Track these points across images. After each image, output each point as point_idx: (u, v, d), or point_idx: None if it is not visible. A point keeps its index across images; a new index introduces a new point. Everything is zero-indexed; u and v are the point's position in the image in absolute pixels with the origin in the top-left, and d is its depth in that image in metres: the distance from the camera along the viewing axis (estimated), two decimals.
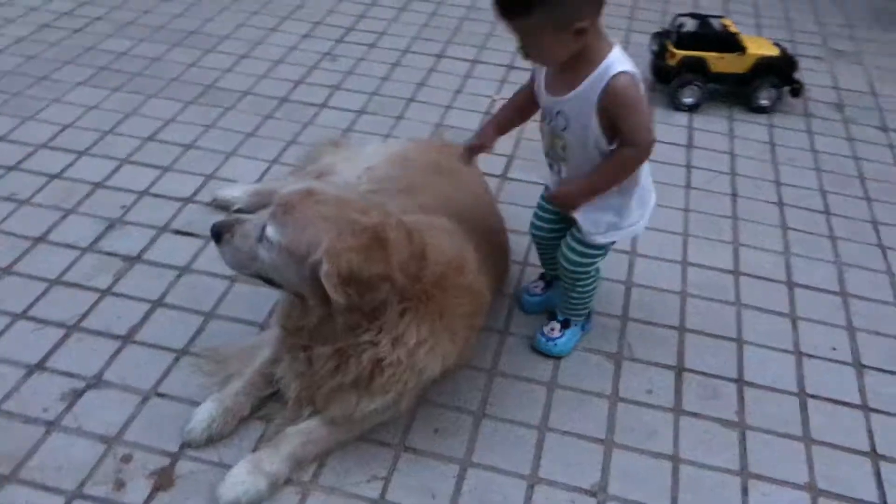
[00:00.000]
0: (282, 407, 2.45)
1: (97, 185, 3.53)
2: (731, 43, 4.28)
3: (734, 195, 3.81)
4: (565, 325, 2.86)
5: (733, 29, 4.40)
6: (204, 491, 2.29)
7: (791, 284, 3.29)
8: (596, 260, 2.68)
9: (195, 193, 3.52)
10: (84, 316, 2.87)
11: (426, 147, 3.28)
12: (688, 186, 3.84)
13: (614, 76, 2.32)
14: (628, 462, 2.50)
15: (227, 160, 3.76)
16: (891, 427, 2.69)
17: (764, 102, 4.36)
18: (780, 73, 4.29)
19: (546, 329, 2.87)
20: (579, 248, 2.64)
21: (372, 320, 2.17)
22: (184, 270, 3.11)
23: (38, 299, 2.93)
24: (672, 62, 4.20)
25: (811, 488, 2.47)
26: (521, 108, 2.66)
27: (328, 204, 2.15)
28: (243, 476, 2.26)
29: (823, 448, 2.60)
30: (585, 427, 2.60)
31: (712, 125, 4.33)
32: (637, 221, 2.62)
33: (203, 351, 2.71)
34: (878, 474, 2.53)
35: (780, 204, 3.76)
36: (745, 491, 2.45)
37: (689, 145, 4.17)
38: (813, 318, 3.13)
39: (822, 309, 3.17)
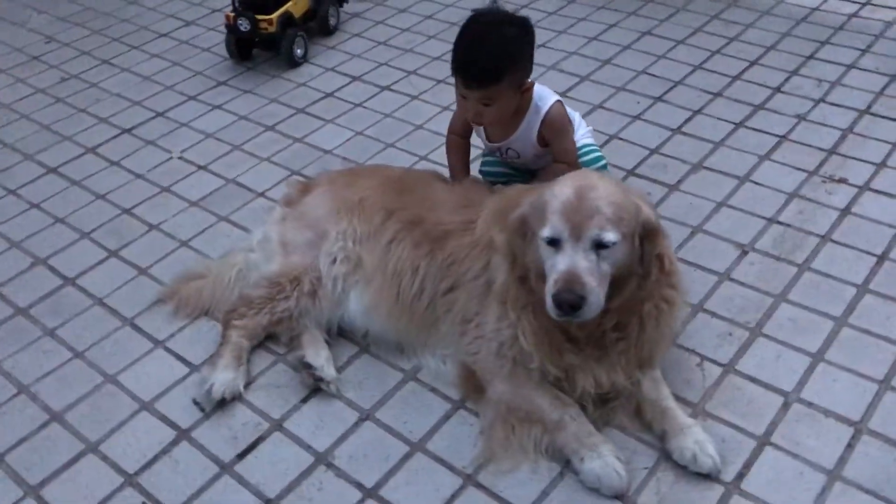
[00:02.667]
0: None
1: None
2: None
3: None
4: None
5: None
6: None
7: None
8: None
9: None
10: None
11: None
12: None
13: (550, 108, 2.74)
14: None
15: None
16: None
17: (332, 21, 4.44)
18: None
19: None
20: None
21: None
22: None
23: None
24: (272, 28, 4.00)
25: None
26: (463, 148, 2.97)
27: (609, 186, 2.17)
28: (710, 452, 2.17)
29: None
30: None
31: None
32: None
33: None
34: None
35: None
36: None
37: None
38: None
39: None
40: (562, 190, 2.13)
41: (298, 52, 4.16)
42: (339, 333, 2.64)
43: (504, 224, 2.31)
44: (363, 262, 2.60)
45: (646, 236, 2.15)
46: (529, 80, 2.69)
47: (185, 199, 3.32)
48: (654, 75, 3.87)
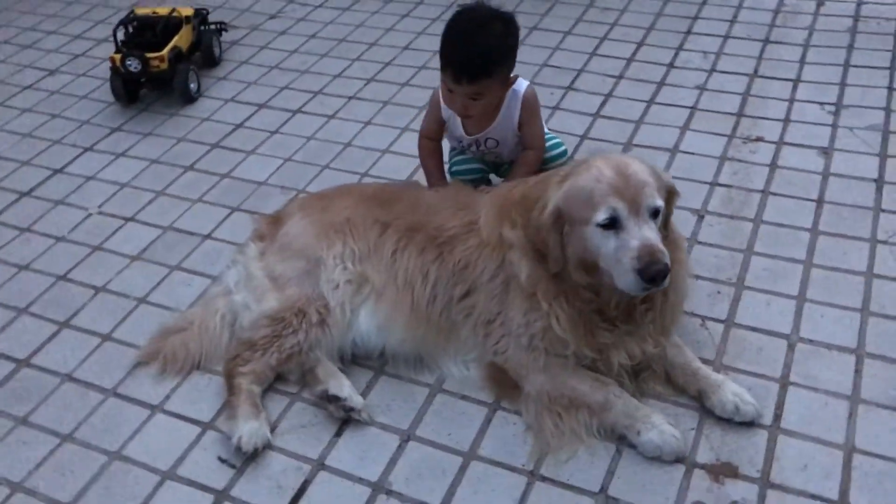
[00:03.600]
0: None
1: None
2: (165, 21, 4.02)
3: None
4: None
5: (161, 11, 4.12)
6: None
7: None
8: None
9: None
10: None
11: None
12: None
13: (526, 90, 2.82)
14: None
15: None
16: None
17: (216, 51, 4.28)
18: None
19: None
20: None
21: None
22: None
23: None
24: (163, 65, 3.81)
25: None
26: (436, 152, 3.02)
27: (631, 159, 2.27)
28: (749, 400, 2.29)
29: None
30: None
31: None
32: None
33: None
34: None
35: None
36: None
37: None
38: None
39: None
40: (601, 172, 2.19)
41: (193, 86, 3.96)
42: (349, 360, 2.56)
43: (515, 220, 2.35)
44: (370, 279, 2.54)
45: (668, 199, 2.26)
46: (515, 75, 2.76)
47: (123, 254, 3.08)
48: (556, 66, 4.02)
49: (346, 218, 2.62)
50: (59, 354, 2.70)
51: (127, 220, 3.26)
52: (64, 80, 4.26)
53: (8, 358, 2.70)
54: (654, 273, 2.09)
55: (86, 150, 3.71)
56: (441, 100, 2.83)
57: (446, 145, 3.08)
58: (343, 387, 2.42)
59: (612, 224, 2.14)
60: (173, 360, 2.58)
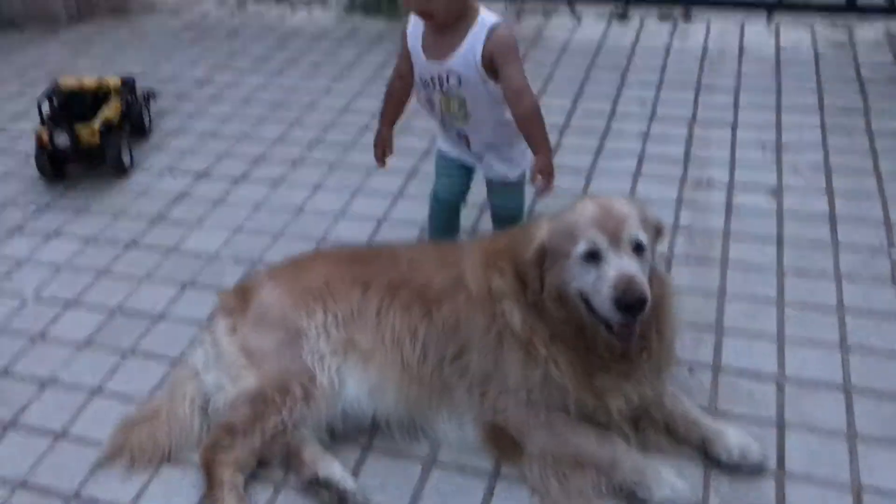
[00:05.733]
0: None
1: None
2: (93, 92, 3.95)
3: None
4: None
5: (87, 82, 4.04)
6: None
7: None
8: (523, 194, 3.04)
9: None
10: None
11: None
12: None
13: (494, 26, 2.63)
14: None
15: None
16: None
17: (146, 120, 4.14)
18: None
19: None
20: (507, 192, 2.97)
21: None
22: None
23: None
24: (94, 138, 3.65)
25: None
26: (400, 100, 2.93)
27: (619, 198, 2.28)
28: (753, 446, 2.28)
29: None
30: None
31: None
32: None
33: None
34: None
35: None
36: None
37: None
38: None
39: None
40: (584, 209, 2.18)
41: (126, 158, 3.77)
42: (334, 438, 2.41)
43: (503, 268, 2.30)
44: (356, 343, 2.41)
45: (655, 236, 2.25)
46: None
47: (69, 342, 2.85)
48: None
49: (324, 282, 2.50)
50: (6, 459, 2.45)
51: (68, 304, 3.04)
52: None
53: None
54: (630, 301, 2.05)
55: (13, 231, 3.46)
56: (408, 29, 2.76)
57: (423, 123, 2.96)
58: (333, 469, 2.26)
59: (593, 256, 2.12)
60: (141, 453, 2.37)
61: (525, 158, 2.86)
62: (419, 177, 3.61)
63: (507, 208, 3.00)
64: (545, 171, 2.68)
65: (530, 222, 2.43)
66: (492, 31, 2.61)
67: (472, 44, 2.63)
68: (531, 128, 2.69)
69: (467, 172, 3.00)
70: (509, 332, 2.30)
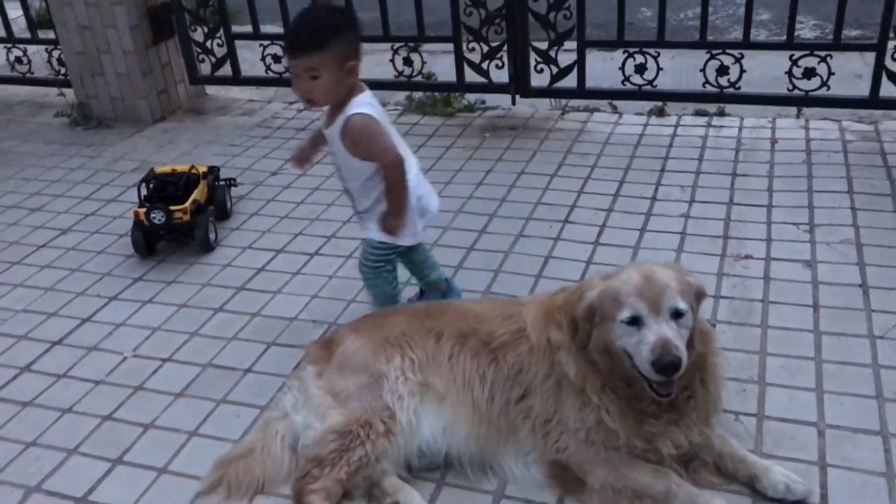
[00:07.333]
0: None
1: None
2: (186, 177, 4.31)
3: None
4: None
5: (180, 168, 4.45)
6: None
7: None
8: (377, 255, 3.23)
9: None
10: None
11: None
12: None
13: (349, 118, 2.95)
14: None
15: None
16: None
17: (229, 204, 4.54)
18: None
19: None
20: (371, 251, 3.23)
21: None
22: None
23: None
24: (185, 217, 4.06)
25: None
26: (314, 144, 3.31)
27: (663, 267, 2.55)
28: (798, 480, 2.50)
29: None
30: None
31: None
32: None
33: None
34: None
35: None
36: None
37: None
38: None
39: None
40: (629, 277, 2.45)
41: (212, 236, 4.17)
42: (410, 475, 2.65)
43: (560, 322, 2.58)
44: (431, 385, 2.69)
45: (697, 300, 2.51)
46: (355, 63, 2.93)
47: (165, 392, 3.16)
48: (548, 203, 4.36)
49: (401, 332, 2.80)
50: (116, 491, 2.73)
51: (164, 360, 3.36)
52: (78, 238, 4.41)
53: (65, 497, 2.71)
54: (665, 364, 2.32)
55: (111, 299, 3.83)
56: None
57: None
58: (414, 498, 2.51)
59: (635, 321, 2.40)
60: (237, 486, 2.63)
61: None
62: (478, 251, 3.95)
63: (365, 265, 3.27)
64: (387, 230, 3.10)
65: (584, 281, 2.72)
66: (347, 120, 2.95)
67: (337, 127, 3.00)
68: (388, 192, 3.05)
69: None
70: (566, 380, 2.57)
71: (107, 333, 3.58)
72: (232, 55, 6.03)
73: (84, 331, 3.62)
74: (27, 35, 6.53)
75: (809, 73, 4.94)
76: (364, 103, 2.98)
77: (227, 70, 6.12)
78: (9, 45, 6.50)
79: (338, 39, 2.87)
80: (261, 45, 5.96)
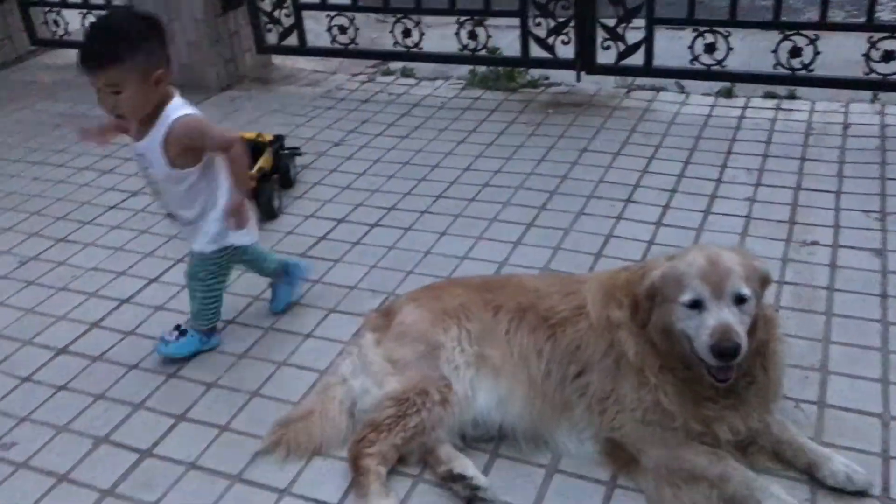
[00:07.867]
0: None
1: None
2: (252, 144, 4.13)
3: None
4: (182, 333, 3.22)
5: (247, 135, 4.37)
6: None
7: None
8: (209, 269, 3.15)
9: None
10: None
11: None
12: None
13: (175, 123, 2.84)
14: None
15: None
16: None
17: (293, 173, 4.58)
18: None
19: (165, 333, 3.23)
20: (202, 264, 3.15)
21: None
22: None
23: None
24: (252, 183, 3.90)
25: None
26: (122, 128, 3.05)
27: (729, 251, 2.53)
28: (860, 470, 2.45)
29: None
30: None
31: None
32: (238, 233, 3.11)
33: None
34: None
35: None
36: None
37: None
38: None
39: None
40: (694, 259, 2.42)
41: (276, 203, 4.24)
42: (464, 445, 2.68)
43: (621, 301, 2.58)
44: (487, 357, 2.71)
45: (761, 286, 2.47)
46: (163, 73, 2.79)
47: (229, 353, 3.25)
48: (611, 182, 4.33)
49: (460, 304, 2.82)
50: (179, 445, 2.82)
51: (228, 322, 3.44)
52: (147, 200, 4.52)
53: (131, 449, 2.81)
54: (723, 349, 2.30)
55: (177, 261, 3.93)
56: None
57: None
58: (468, 466, 2.53)
59: (696, 305, 2.38)
60: (296, 445, 2.70)
61: (223, 235, 3.08)
62: (538, 228, 3.94)
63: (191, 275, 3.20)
64: (232, 211, 2.97)
65: (648, 261, 2.70)
66: (172, 127, 2.83)
67: (155, 136, 2.84)
68: (235, 173, 2.95)
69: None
70: (625, 359, 2.56)
71: (173, 294, 3.68)
72: (299, 25, 6.09)
73: (151, 290, 3.73)
74: (101, 1, 6.69)
75: (888, 56, 4.78)
76: (181, 106, 2.88)
77: (293, 40, 6.18)
78: (84, 11, 6.66)
79: (137, 51, 2.69)
80: (327, 15, 6.00)
